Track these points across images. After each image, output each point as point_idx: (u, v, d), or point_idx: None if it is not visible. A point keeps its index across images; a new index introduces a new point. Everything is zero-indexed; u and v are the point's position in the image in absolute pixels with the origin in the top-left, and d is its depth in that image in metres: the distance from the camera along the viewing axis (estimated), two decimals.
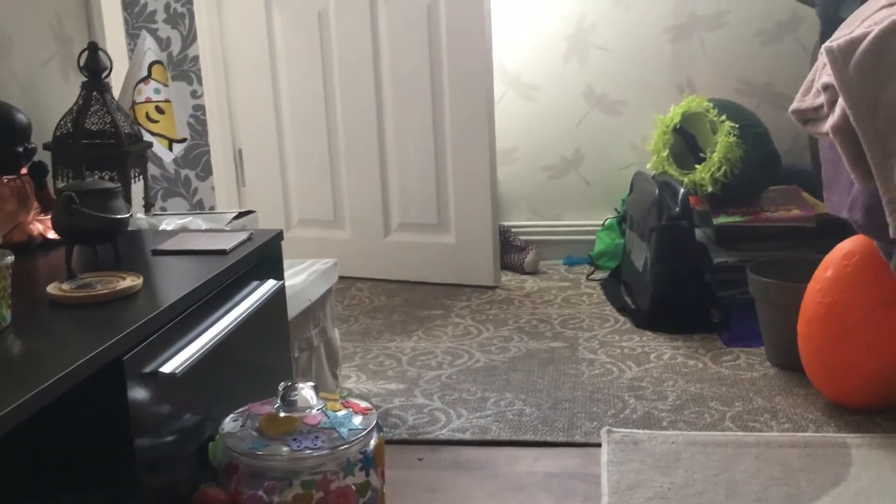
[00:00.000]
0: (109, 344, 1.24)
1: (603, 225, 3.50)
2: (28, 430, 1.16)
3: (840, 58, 1.88)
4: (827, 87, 1.96)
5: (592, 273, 3.40)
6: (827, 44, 1.92)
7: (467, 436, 2.16)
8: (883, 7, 1.96)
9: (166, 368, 1.36)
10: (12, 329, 1.31)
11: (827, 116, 1.97)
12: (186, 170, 3.49)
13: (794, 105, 2.16)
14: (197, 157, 3.48)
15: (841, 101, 1.89)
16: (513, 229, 3.57)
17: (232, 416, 1.54)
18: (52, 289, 1.43)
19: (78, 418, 1.27)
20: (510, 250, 3.49)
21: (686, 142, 3.17)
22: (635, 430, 2.13)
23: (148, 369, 1.33)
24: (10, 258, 1.32)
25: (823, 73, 1.99)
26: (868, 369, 2.12)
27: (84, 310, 1.39)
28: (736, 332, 2.69)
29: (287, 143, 3.46)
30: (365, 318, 3.03)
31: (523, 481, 1.97)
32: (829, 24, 2.53)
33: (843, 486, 1.85)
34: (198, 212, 2.84)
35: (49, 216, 1.73)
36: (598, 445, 2.07)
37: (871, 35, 1.86)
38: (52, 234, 1.76)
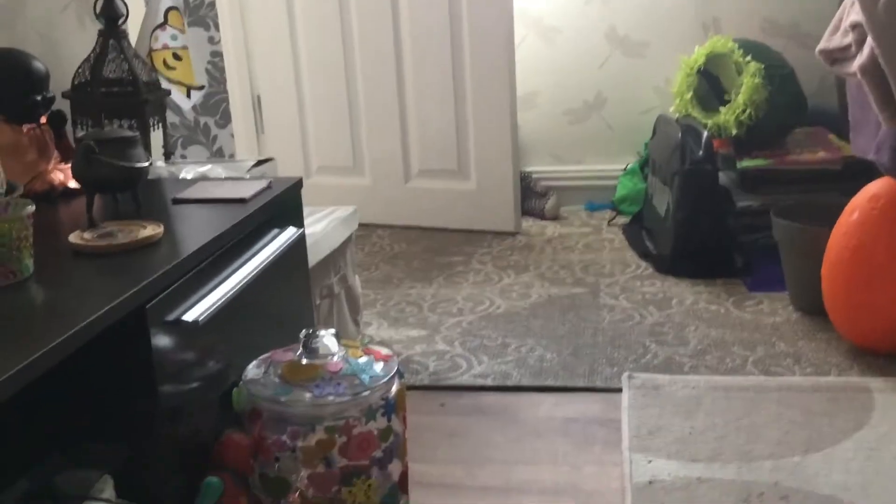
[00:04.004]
0: (132, 292, 1.25)
1: (625, 169, 3.47)
2: (51, 379, 1.17)
3: None
4: (855, 26, 1.91)
5: (614, 218, 3.37)
6: None
7: (488, 381, 2.18)
8: None
9: (189, 317, 1.37)
10: (35, 278, 1.31)
11: (855, 56, 1.93)
12: (206, 117, 3.48)
13: (822, 45, 2.11)
14: (216, 104, 3.46)
15: (869, 41, 1.84)
16: (534, 175, 3.55)
17: (255, 363, 1.55)
18: (73, 238, 1.44)
19: (101, 367, 1.28)
20: (531, 196, 3.46)
21: (710, 84, 3.12)
22: (656, 375, 2.13)
23: (170, 317, 1.34)
24: (32, 208, 1.32)
25: (852, 11, 1.95)
26: (893, 313, 2.10)
27: (106, 259, 1.39)
28: (759, 276, 2.67)
29: (305, 89, 3.44)
30: (386, 265, 3.03)
31: (544, 426, 1.98)
32: None
33: (866, 429, 1.85)
34: (217, 160, 2.84)
35: (69, 165, 1.73)
36: (619, 391, 2.08)
37: None
38: (72, 184, 1.76)
